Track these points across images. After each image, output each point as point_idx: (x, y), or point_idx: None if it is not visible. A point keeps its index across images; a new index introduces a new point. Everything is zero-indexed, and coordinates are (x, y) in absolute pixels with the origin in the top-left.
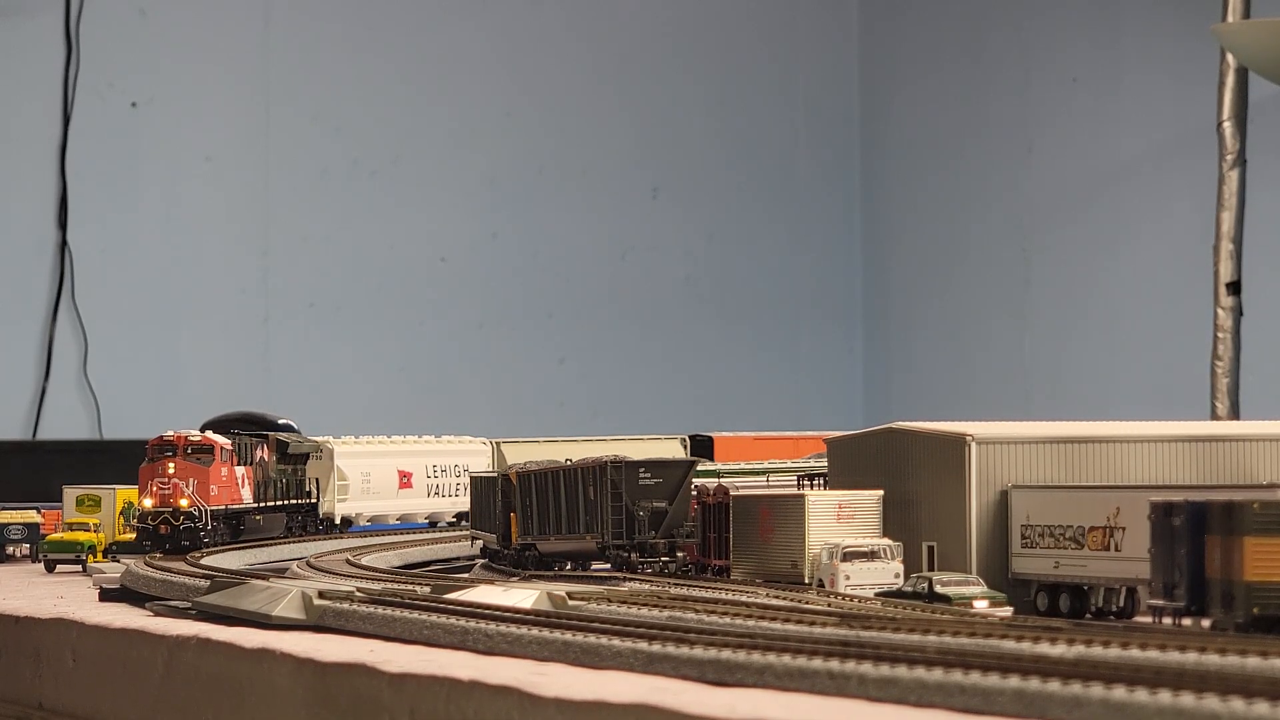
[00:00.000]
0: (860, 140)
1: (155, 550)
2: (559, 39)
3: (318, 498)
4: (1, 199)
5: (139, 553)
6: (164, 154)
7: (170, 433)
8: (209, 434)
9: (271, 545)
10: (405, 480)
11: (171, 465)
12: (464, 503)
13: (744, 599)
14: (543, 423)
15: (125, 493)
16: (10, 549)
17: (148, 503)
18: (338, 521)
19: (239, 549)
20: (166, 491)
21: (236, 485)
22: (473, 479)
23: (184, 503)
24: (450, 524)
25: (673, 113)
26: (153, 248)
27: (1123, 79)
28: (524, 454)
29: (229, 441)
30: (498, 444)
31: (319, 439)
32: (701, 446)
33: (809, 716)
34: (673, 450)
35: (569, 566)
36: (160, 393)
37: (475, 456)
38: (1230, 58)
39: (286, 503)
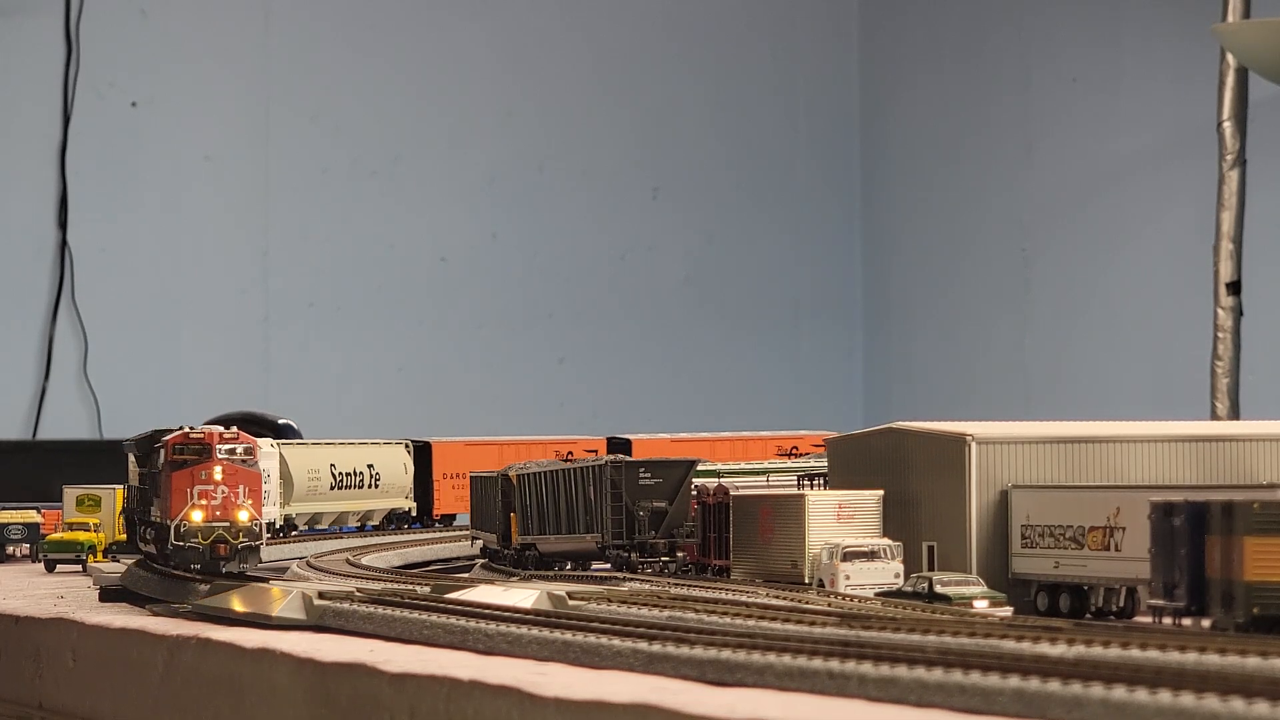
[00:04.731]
0: (860, 140)
1: (206, 575)
2: (559, 39)
3: None
4: (1, 199)
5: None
6: (164, 154)
7: (193, 428)
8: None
9: (271, 545)
10: None
11: (219, 470)
12: (266, 513)
13: (744, 599)
14: (543, 423)
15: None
16: (10, 549)
17: (197, 516)
18: None
19: None
20: (216, 502)
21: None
22: (473, 479)
23: (243, 516)
24: None
25: (673, 113)
26: (153, 248)
27: (1123, 79)
28: (301, 457)
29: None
30: (280, 446)
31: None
32: (421, 453)
33: (809, 716)
34: (397, 455)
35: (569, 566)
36: (160, 393)
37: (271, 460)
38: (1230, 58)
39: None
